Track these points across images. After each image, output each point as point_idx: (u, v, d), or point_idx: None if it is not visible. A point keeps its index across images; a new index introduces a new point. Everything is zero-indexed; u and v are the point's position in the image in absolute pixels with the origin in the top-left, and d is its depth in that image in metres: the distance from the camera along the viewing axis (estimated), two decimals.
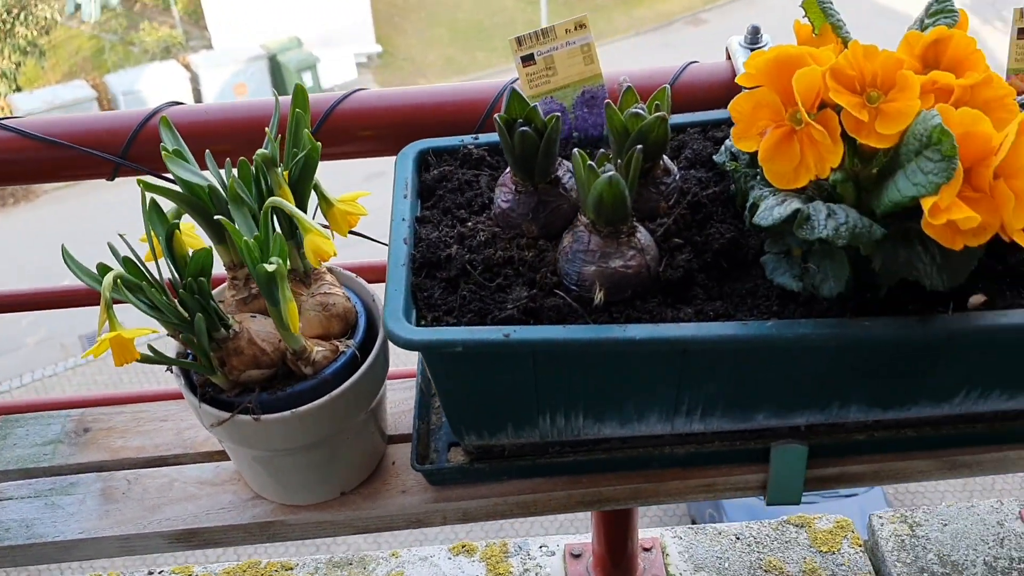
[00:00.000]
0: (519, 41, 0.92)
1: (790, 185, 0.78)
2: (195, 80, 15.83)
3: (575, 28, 0.92)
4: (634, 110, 0.82)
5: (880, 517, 1.55)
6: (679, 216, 0.87)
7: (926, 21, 0.81)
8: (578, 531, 1.54)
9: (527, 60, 0.92)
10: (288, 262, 0.79)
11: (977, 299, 0.80)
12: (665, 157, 0.88)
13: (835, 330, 0.79)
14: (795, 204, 0.75)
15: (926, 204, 0.71)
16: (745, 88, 0.80)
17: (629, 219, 0.81)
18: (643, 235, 0.83)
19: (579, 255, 0.82)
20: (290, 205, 0.78)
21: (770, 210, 0.76)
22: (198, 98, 15.56)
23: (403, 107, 1.02)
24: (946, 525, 1.53)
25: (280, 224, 0.86)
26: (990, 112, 0.76)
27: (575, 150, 0.80)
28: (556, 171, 0.86)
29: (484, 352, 0.80)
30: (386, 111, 1.02)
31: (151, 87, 15.00)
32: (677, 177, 0.89)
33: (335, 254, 0.79)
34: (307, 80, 15.89)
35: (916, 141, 0.72)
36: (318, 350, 0.87)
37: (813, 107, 0.77)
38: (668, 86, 0.84)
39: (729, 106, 0.80)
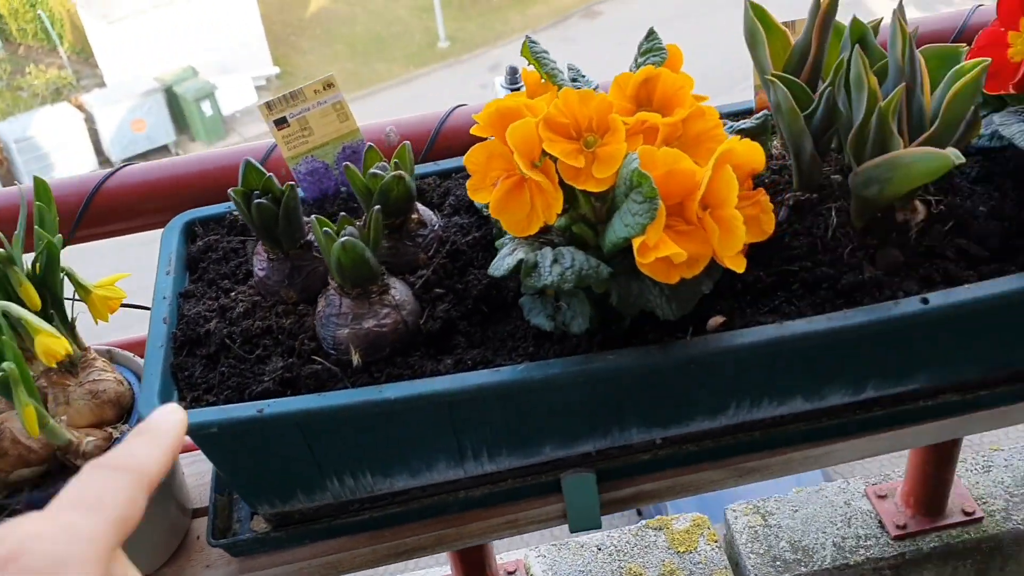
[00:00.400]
0: (269, 106, 0.92)
1: (524, 233, 0.79)
2: (90, 120, 15.45)
3: (323, 88, 0.92)
4: (373, 170, 0.83)
5: (734, 510, 1.59)
6: (439, 266, 0.88)
7: (639, 60, 0.84)
8: (439, 563, 1.55)
9: (280, 123, 0.92)
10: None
11: (715, 321, 0.83)
12: (421, 208, 0.89)
13: (582, 367, 0.81)
14: (520, 254, 0.76)
15: (636, 244, 0.73)
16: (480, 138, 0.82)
17: (378, 278, 0.82)
18: (399, 291, 0.84)
19: (332, 319, 0.82)
20: (16, 308, 0.77)
21: (501, 260, 0.78)
22: (95, 138, 15.19)
23: (170, 178, 1.01)
24: (796, 511, 1.57)
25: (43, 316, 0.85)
26: (701, 144, 0.79)
27: (313, 216, 0.80)
28: (306, 235, 0.86)
29: (243, 430, 0.80)
30: (155, 184, 1.01)
31: (44, 131, 14.61)
32: (437, 226, 0.90)
33: (68, 352, 0.78)
34: (207, 109, 15.63)
35: (624, 184, 0.75)
36: (88, 440, 0.86)
37: (537, 156, 0.79)
38: (407, 143, 0.85)
39: (464, 159, 0.81)
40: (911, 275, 0.85)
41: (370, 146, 0.86)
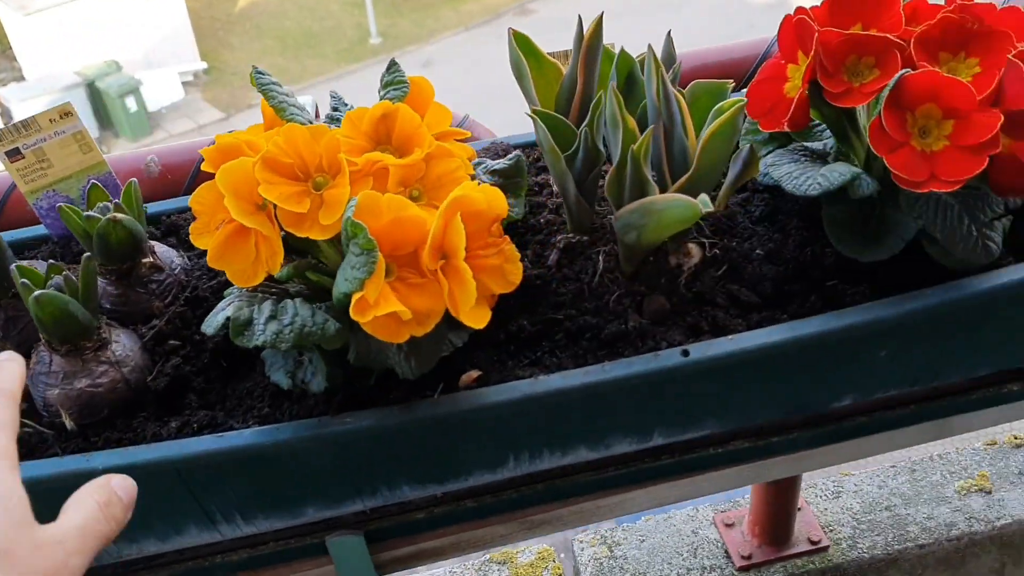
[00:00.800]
0: None
1: (248, 284, 0.72)
2: (7, 115, 14.95)
3: (60, 117, 0.84)
4: (89, 213, 0.75)
5: (581, 541, 1.54)
6: (175, 315, 0.80)
7: (381, 93, 0.77)
8: None
9: (13, 155, 0.84)
10: None
11: (469, 376, 0.77)
12: (161, 249, 0.82)
13: (315, 431, 0.74)
14: (229, 310, 0.69)
15: (353, 300, 0.67)
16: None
17: (92, 332, 0.74)
18: (122, 345, 0.77)
19: (42, 378, 0.75)
20: None
21: (215, 314, 0.71)
22: None
23: None
24: (643, 541, 1.53)
25: None
26: (443, 188, 0.73)
27: (13, 265, 0.72)
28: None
29: None
30: None
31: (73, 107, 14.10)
32: (178, 270, 0.83)
33: None
34: (131, 104, 15.22)
35: (346, 232, 0.68)
36: None
37: (259, 199, 0.72)
38: (134, 182, 0.78)
39: (190, 200, 0.74)
40: (678, 324, 0.80)
41: (93, 184, 0.79)
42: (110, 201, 0.78)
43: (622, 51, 0.81)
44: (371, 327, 0.67)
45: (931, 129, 0.75)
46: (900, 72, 0.74)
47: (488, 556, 1.52)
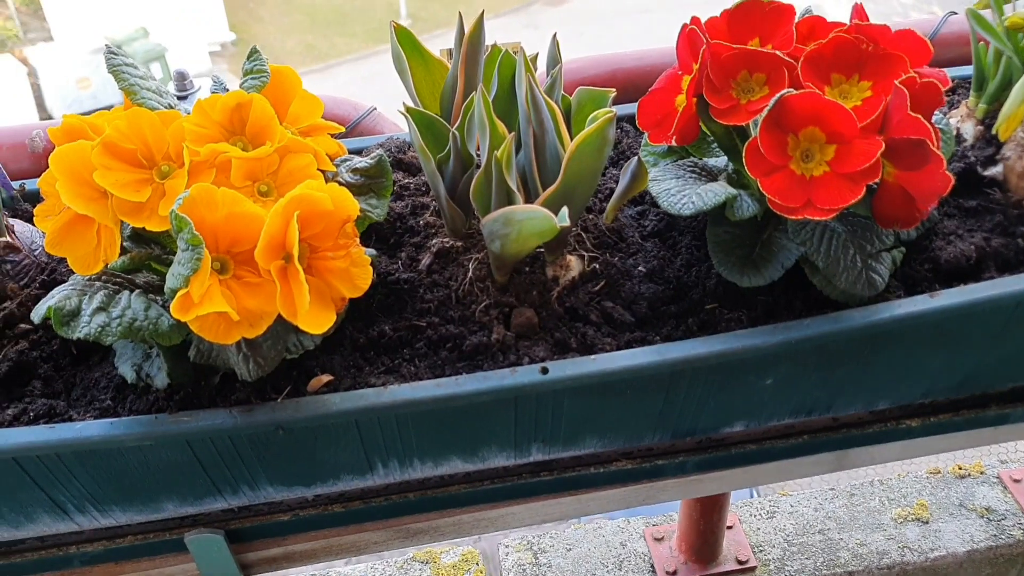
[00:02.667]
0: None
1: (90, 271, 0.70)
2: (33, 74, 15.02)
3: None
4: None
5: (507, 546, 1.52)
6: (28, 297, 0.78)
7: (242, 80, 0.74)
8: None
9: None
10: None
11: (318, 381, 0.75)
12: (22, 230, 0.79)
13: (150, 428, 0.72)
14: (56, 298, 0.67)
15: (177, 297, 0.64)
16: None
17: None
18: None
19: None
20: None
21: (46, 301, 0.68)
22: (38, 93, 14.77)
23: None
24: (570, 549, 1.50)
25: None
26: (294, 184, 0.70)
27: None
28: None
29: None
30: None
31: None
32: (38, 251, 0.80)
33: None
34: (157, 71, 15.26)
35: (173, 225, 0.65)
36: None
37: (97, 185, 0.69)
38: None
39: (39, 180, 0.72)
40: (545, 339, 0.77)
41: None
42: None
43: (505, 53, 0.78)
44: (197, 326, 0.65)
45: (814, 153, 0.72)
46: (780, 92, 0.70)
47: (411, 555, 1.50)
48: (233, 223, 0.66)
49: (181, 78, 0.90)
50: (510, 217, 0.70)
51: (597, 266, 0.80)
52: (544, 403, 0.78)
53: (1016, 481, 1.55)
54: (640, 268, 0.81)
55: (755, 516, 1.53)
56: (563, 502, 0.93)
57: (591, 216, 0.85)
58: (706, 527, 1.42)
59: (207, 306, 0.64)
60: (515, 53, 0.83)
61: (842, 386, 0.85)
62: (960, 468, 1.58)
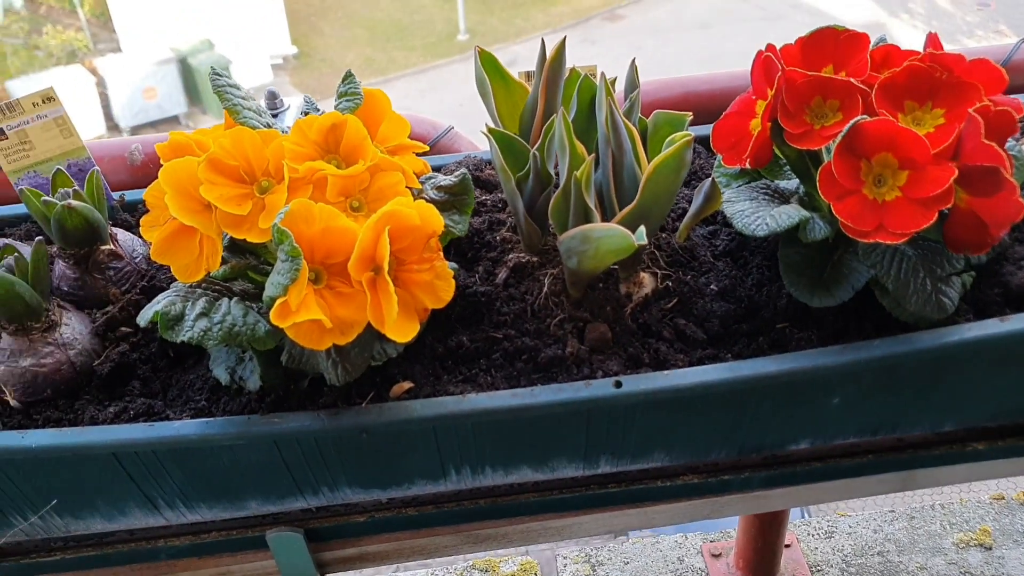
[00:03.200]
0: None
1: (190, 279, 0.74)
2: (102, 84, 15.44)
3: (43, 101, 0.87)
4: (47, 198, 0.78)
5: (565, 557, 1.54)
6: (129, 302, 0.83)
7: (335, 103, 0.78)
8: None
9: None
10: None
11: (400, 387, 0.78)
12: (124, 237, 0.84)
13: (242, 428, 0.76)
14: (162, 304, 0.71)
15: (276, 305, 0.68)
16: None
17: (39, 314, 0.77)
18: (72, 328, 0.79)
19: None
20: None
21: (152, 306, 0.73)
22: (106, 103, 15.18)
23: None
24: (627, 563, 1.52)
25: None
26: (384, 200, 0.74)
27: None
28: None
29: None
30: None
31: (56, 92, 14.58)
32: (139, 258, 0.85)
33: None
34: None
35: (274, 237, 0.69)
36: None
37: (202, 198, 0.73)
38: (97, 170, 0.80)
39: (145, 192, 0.76)
40: (618, 353, 0.79)
41: (58, 170, 0.81)
42: (72, 187, 0.80)
43: (584, 77, 0.81)
44: (293, 332, 0.69)
45: (887, 178, 0.73)
46: (855, 119, 0.72)
47: (471, 562, 1.53)
48: (328, 236, 0.69)
49: (272, 97, 0.94)
50: (588, 235, 0.73)
51: (670, 284, 0.82)
52: (616, 416, 0.80)
53: None
54: (712, 287, 0.83)
55: (813, 536, 1.54)
56: (629, 514, 0.95)
57: (664, 235, 0.88)
58: (764, 545, 1.42)
59: (303, 314, 0.67)
60: (592, 76, 0.86)
61: (908, 406, 0.86)
62: None
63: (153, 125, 15.22)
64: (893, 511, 1.57)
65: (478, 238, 0.88)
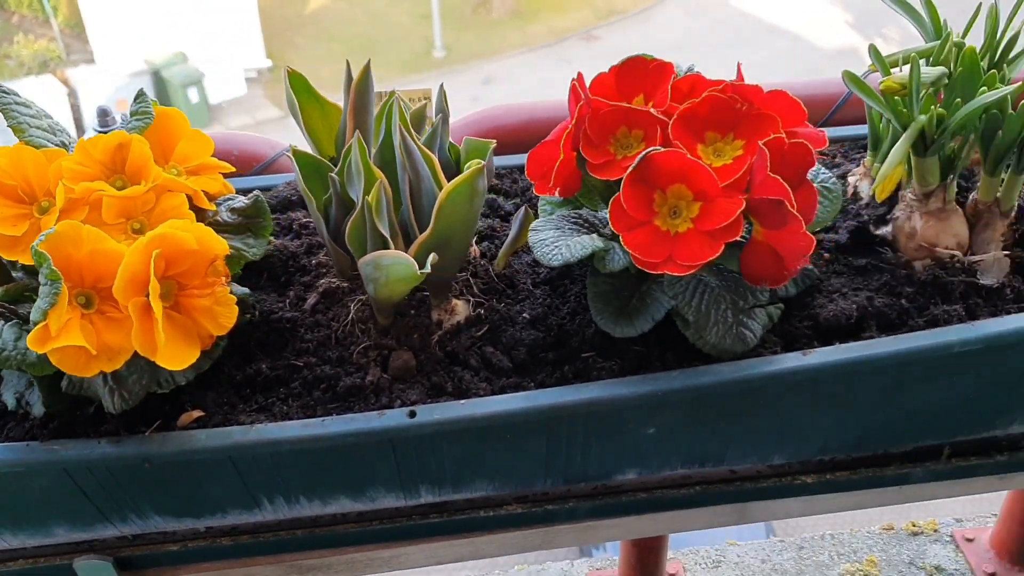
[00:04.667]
0: None
1: None
2: (73, 95, 15.35)
3: None
4: None
5: None
6: None
7: (127, 122, 0.77)
8: None
9: None
10: None
11: (188, 416, 0.76)
12: None
13: (21, 455, 0.74)
14: None
15: (35, 330, 0.66)
16: None
17: None
18: None
19: None
20: None
21: None
22: (77, 114, 15.09)
23: None
24: None
25: None
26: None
27: None
28: None
29: None
30: None
31: None
32: None
33: None
34: (193, 96, 15.52)
35: (35, 261, 0.67)
36: None
37: None
38: None
39: None
40: (421, 382, 0.78)
41: None
42: None
43: (388, 100, 0.80)
44: (55, 358, 0.67)
45: (681, 210, 0.73)
46: (646, 150, 0.71)
47: None
48: (97, 260, 0.68)
49: (103, 114, 0.92)
50: (379, 262, 0.72)
51: (482, 311, 0.81)
52: (422, 446, 0.79)
53: (969, 540, 1.52)
54: (524, 315, 0.82)
55: (700, 565, 1.52)
56: (456, 544, 0.94)
57: (483, 262, 0.86)
58: (643, 573, 1.41)
59: (63, 339, 0.66)
60: (422, 100, 0.85)
61: (731, 439, 0.85)
62: (914, 525, 1.56)
63: None
64: (783, 541, 1.56)
65: (294, 262, 0.87)
